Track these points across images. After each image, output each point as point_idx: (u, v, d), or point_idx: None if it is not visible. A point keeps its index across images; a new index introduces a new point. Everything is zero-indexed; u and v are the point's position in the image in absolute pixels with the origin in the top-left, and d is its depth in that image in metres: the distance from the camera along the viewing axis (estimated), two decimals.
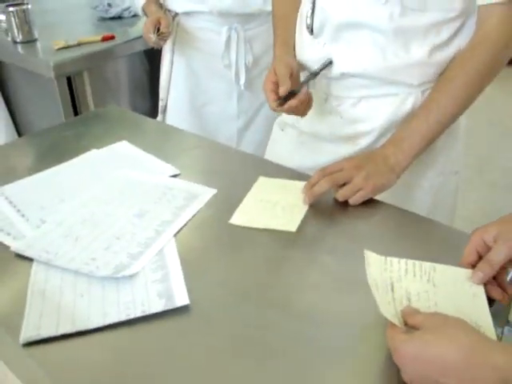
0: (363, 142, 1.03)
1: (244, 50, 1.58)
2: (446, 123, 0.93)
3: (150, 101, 1.94)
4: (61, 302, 0.69)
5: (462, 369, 0.51)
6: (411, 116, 0.94)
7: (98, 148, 1.08)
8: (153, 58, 1.86)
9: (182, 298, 0.68)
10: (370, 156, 0.91)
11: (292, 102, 0.94)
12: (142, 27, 1.55)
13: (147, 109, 1.92)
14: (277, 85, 0.96)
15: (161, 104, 1.71)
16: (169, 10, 1.59)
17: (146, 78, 1.92)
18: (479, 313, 0.62)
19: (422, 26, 0.92)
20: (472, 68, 0.90)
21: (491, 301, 0.66)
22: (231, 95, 1.66)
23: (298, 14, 1.08)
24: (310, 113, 1.08)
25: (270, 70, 0.99)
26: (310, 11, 1.01)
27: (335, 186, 0.88)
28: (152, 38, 1.46)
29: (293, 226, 0.83)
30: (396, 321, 0.59)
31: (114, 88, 1.82)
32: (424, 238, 0.83)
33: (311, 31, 1.02)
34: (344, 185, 0.88)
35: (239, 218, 0.85)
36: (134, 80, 1.89)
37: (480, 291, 0.65)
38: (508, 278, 0.68)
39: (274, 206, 0.88)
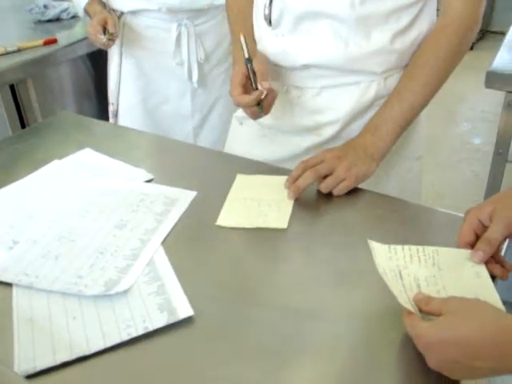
0: (327, 133, 1.02)
1: (195, 46, 1.54)
2: (419, 108, 0.93)
3: (97, 105, 1.86)
4: (52, 327, 0.63)
5: (491, 348, 0.51)
6: (385, 104, 0.94)
7: (58, 159, 1.02)
8: (96, 61, 1.78)
9: (184, 310, 0.64)
10: (350, 145, 0.91)
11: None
12: (82, 29, 1.47)
13: (95, 113, 1.84)
14: (245, 88, 0.94)
15: (111, 108, 1.64)
16: (113, 10, 1.52)
17: (92, 81, 1.84)
18: (485, 291, 0.62)
19: (382, 13, 0.92)
20: (441, 52, 0.91)
21: (492, 278, 0.66)
22: (184, 93, 1.62)
23: (254, 4, 1.06)
24: None
25: (236, 74, 0.96)
26: (268, 1, 0.99)
27: (318, 177, 0.87)
28: (102, 38, 1.38)
29: (283, 223, 0.81)
30: (411, 308, 0.58)
31: (60, 94, 1.73)
32: (412, 221, 0.83)
33: (269, 22, 1.00)
34: (326, 176, 0.87)
35: (226, 219, 0.82)
36: (80, 85, 1.80)
37: (483, 270, 0.65)
38: (502, 253, 0.70)
39: (259, 204, 0.85)
